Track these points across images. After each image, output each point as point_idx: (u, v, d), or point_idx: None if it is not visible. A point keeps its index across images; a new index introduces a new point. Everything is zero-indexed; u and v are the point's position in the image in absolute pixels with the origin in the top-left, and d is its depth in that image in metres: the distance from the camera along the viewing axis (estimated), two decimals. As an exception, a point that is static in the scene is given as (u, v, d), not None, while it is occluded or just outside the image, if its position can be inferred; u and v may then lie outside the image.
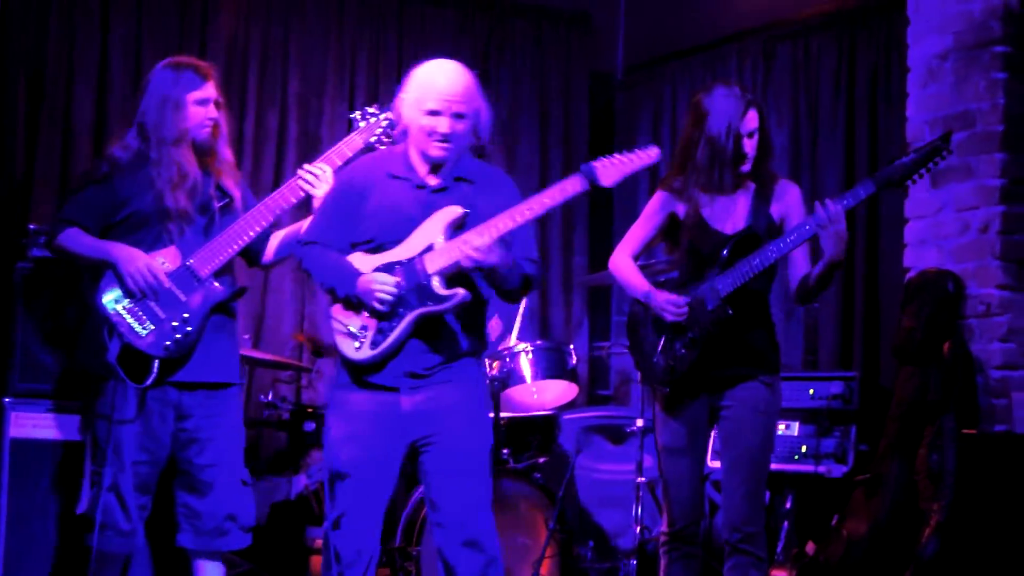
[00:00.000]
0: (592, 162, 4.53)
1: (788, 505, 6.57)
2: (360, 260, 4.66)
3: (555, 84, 8.90)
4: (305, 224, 5.13)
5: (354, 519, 4.63)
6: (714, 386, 5.06)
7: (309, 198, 5.16)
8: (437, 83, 4.60)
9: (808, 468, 6.40)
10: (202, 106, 5.13)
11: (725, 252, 4.98)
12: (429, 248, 4.57)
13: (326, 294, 4.74)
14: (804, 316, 7.45)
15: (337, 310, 4.69)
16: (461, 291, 4.55)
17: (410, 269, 4.57)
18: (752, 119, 5.04)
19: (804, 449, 6.46)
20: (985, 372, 6.00)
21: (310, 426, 6.77)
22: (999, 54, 6.07)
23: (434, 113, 4.59)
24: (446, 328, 4.65)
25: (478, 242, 4.45)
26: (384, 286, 4.55)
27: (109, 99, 7.63)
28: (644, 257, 5.45)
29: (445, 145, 4.62)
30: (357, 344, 4.62)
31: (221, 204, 5.18)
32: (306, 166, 5.17)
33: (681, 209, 5.12)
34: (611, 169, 4.53)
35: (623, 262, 5.23)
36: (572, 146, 8.84)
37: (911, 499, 5.81)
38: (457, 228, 4.59)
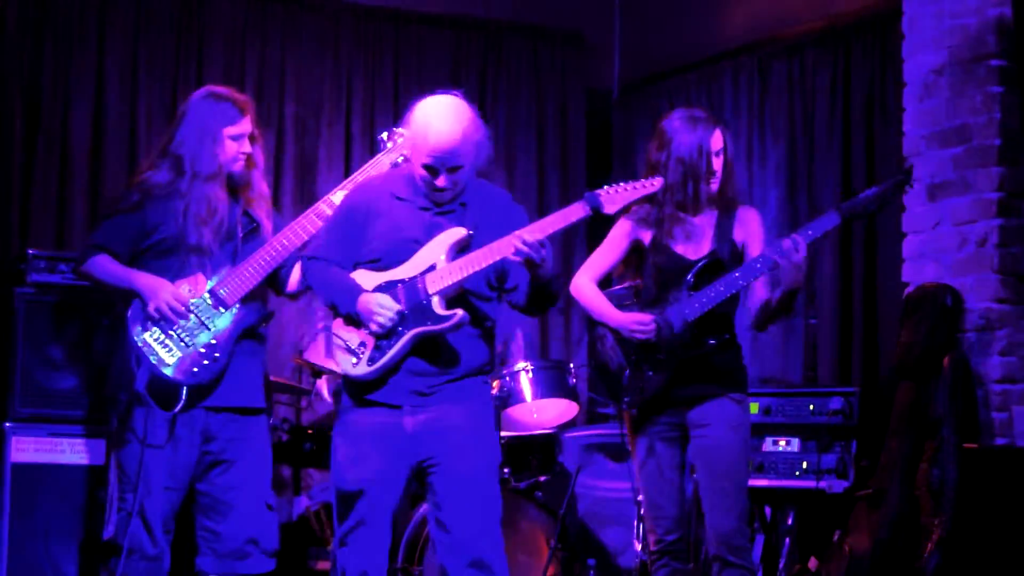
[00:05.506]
0: (596, 190, 4.55)
1: (790, 521, 6.57)
2: (363, 277, 4.67)
3: (551, 103, 8.91)
4: None
5: (361, 538, 4.65)
6: (683, 404, 5.10)
7: None
8: (430, 140, 4.56)
9: (809, 484, 6.39)
10: (236, 141, 5.12)
11: (691, 277, 5.05)
12: (431, 268, 4.58)
13: (328, 309, 4.76)
14: (803, 332, 7.45)
15: (338, 325, 4.70)
16: (460, 312, 4.56)
17: (411, 288, 4.58)
18: (719, 138, 5.12)
19: (805, 465, 6.46)
20: (985, 386, 6.00)
21: (310, 447, 6.76)
22: (995, 68, 6.08)
23: (430, 168, 4.59)
24: (451, 347, 4.64)
25: (530, 237, 4.44)
26: (383, 311, 4.56)
27: (106, 123, 7.65)
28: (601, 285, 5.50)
29: (444, 193, 4.65)
30: (355, 360, 4.64)
31: (247, 231, 5.17)
32: (333, 193, 5.15)
33: (646, 236, 5.19)
34: (614, 196, 4.56)
35: (586, 286, 5.28)
36: (569, 164, 8.85)
37: (912, 514, 5.81)
38: (461, 249, 4.60)
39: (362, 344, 4.63)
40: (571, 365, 6.99)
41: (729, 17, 8.40)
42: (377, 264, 4.67)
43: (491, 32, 8.75)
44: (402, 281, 4.60)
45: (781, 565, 6.46)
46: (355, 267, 4.72)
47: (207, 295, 5.03)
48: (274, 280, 5.23)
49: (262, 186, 5.27)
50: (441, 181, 4.59)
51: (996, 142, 6.05)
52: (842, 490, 6.30)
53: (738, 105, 8.15)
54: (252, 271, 5.08)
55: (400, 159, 5.06)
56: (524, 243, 4.43)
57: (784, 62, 7.86)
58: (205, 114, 5.12)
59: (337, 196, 5.08)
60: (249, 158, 5.17)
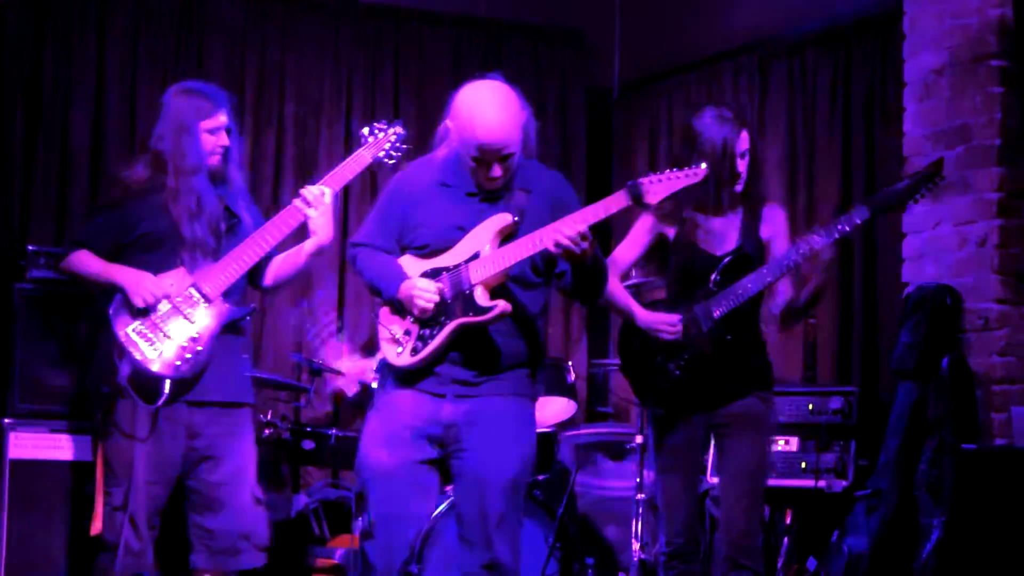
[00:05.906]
0: (639, 179, 4.37)
1: (788, 521, 6.56)
2: (410, 263, 4.61)
3: (552, 102, 8.91)
4: (306, 246, 5.15)
5: (385, 526, 4.54)
6: (709, 404, 5.08)
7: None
8: (478, 133, 4.45)
9: (808, 483, 6.38)
10: (212, 134, 5.14)
11: (717, 274, 5.03)
12: (475, 256, 4.49)
13: (374, 296, 4.70)
14: (803, 332, 7.44)
15: (384, 314, 4.63)
16: (502, 303, 4.45)
17: (456, 277, 4.49)
18: (745, 140, 5.08)
19: (804, 464, 6.45)
20: (984, 386, 6.00)
21: (309, 445, 6.76)
22: (995, 68, 6.08)
23: (482, 161, 4.50)
24: (494, 339, 4.54)
25: (570, 230, 4.32)
26: (425, 293, 4.47)
27: (106, 123, 7.66)
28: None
29: (498, 181, 4.55)
30: (399, 349, 4.56)
31: (228, 225, 5.19)
32: (305, 188, 5.15)
33: (670, 232, 5.16)
34: (657, 186, 4.35)
35: (611, 284, 5.22)
36: (570, 164, 8.84)
37: (911, 514, 5.81)
38: (507, 236, 4.49)
39: (406, 333, 4.55)
40: (569, 363, 6.98)
41: (729, 17, 8.39)
42: (424, 251, 4.60)
43: (492, 31, 8.75)
44: (446, 269, 4.51)
45: (780, 564, 6.46)
46: (403, 251, 4.66)
47: (191, 290, 5.05)
48: (253, 274, 5.24)
49: (238, 178, 5.29)
50: (496, 171, 4.50)
51: (996, 142, 6.05)
52: (841, 490, 6.29)
53: (738, 105, 8.14)
54: (234, 266, 5.09)
55: (381, 154, 5.07)
56: (564, 235, 4.30)
57: (784, 62, 7.85)
58: (180, 109, 5.15)
59: (314, 188, 5.08)
60: (226, 151, 5.19)
